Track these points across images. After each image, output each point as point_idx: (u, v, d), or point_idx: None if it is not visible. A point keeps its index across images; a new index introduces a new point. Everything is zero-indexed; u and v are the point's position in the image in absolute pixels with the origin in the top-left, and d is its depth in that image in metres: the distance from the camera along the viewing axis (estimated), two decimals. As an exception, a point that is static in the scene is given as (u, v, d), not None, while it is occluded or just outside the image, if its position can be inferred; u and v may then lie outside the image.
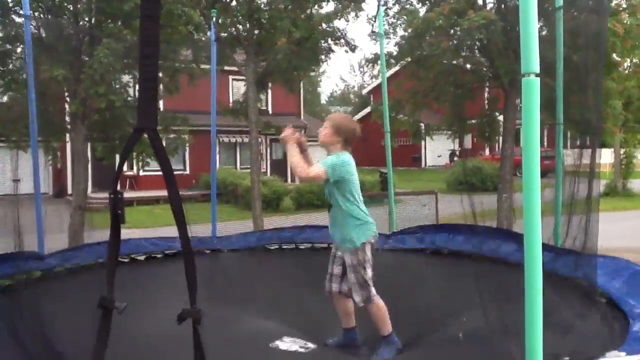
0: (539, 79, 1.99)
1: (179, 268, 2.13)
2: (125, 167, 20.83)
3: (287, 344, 4.07)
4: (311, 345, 4.10)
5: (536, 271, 2.06)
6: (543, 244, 2.18)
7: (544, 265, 2.10)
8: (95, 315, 2.18)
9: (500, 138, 10.59)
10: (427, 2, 10.28)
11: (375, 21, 9.65)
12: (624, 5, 9.24)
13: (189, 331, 2.06)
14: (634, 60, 11.89)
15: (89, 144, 9.98)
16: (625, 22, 8.62)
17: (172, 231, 2.25)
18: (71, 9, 8.54)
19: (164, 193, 2.30)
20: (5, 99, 9.39)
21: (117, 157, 9.53)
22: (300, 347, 4.08)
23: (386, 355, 3.78)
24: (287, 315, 4.55)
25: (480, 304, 3.08)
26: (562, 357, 2.73)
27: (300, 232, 6.83)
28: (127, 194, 18.83)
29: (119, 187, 2.14)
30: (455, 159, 30.96)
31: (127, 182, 22.63)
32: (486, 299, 3.06)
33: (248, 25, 10.46)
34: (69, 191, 12.24)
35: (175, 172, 1.88)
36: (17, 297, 3.63)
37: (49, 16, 8.36)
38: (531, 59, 1.97)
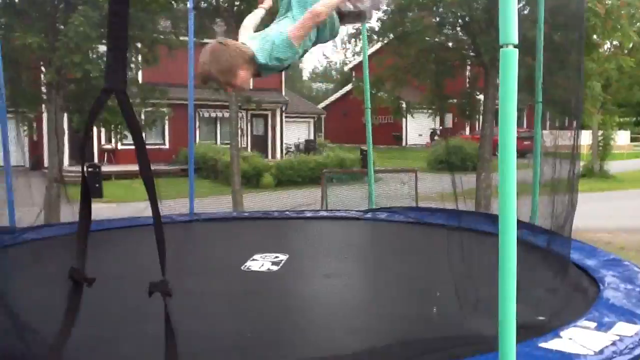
0: (517, 50, 1.95)
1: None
2: (103, 140, 20.17)
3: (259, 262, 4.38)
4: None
5: (510, 249, 2.03)
6: (520, 222, 2.17)
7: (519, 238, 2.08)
8: (64, 287, 2.14)
9: (481, 117, 10.63)
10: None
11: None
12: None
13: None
14: (614, 42, 11.94)
15: (65, 115, 9.77)
16: (607, 2, 8.62)
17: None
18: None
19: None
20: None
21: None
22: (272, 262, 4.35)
23: None
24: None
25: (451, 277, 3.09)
26: (538, 317, 2.76)
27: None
28: (106, 168, 18.57)
29: (97, 160, 2.08)
30: (436, 138, 31.07)
31: (106, 155, 22.31)
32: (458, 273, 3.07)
33: (228, -4, 10.28)
34: (46, 164, 12.01)
35: (154, 146, 1.83)
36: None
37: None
38: (509, 29, 1.93)
